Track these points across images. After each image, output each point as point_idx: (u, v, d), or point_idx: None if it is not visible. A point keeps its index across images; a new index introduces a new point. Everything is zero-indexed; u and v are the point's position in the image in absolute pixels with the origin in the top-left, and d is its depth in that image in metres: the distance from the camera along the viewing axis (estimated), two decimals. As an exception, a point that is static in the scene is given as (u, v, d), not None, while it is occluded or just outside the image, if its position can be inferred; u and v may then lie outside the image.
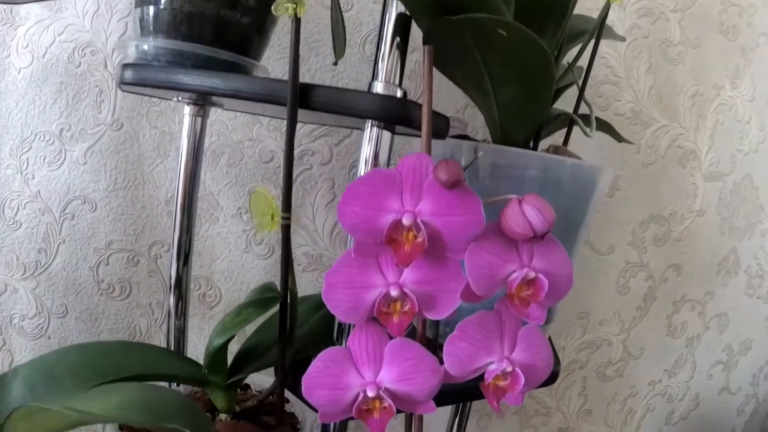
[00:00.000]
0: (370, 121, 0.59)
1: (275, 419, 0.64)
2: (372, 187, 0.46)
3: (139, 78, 0.66)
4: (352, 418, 0.50)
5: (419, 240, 0.45)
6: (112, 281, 0.96)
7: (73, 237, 0.95)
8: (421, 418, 0.54)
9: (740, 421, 1.35)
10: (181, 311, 0.79)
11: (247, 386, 0.74)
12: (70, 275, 0.96)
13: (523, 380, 0.48)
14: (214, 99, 0.74)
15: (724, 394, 1.30)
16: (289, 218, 0.56)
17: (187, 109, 0.76)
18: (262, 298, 0.58)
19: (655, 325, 1.16)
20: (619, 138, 0.85)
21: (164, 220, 0.95)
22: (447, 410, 0.94)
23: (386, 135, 0.59)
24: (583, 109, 0.74)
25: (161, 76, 0.65)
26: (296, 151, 0.94)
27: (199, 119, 0.76)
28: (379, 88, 0.57)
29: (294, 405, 0.70)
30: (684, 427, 1.27)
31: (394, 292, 0.46)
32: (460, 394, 0.64)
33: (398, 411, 0.50)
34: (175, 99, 0.75)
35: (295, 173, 0.94)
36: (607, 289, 1.10)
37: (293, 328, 0.61)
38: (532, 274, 0.46)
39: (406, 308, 0.47)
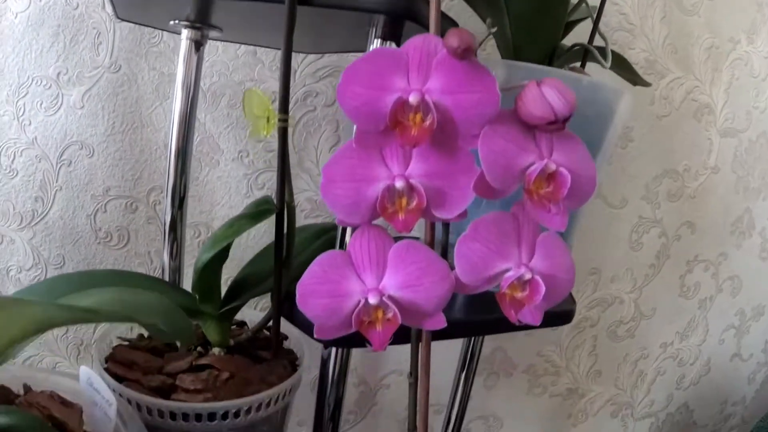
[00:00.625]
0: (373, 30, 0.52)
1: (271, 352, 0.57)
2: (375, 66, 0.39)
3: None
4: (353, 341, 0.44)
5: (427, 123, 0.38)
6: (110, 229, 0.90)
7: (70, 184, 0.89)
8: (428, 347, 0.47)
9: (751, 389, 1.28)
10: (176, 253, 0.73)
11: (244, 324, 0.67)
12: (67, 224, 0.90)
13: (543, 289, 0.41)
14: (213, 19, 0.67)
15: (736, 361, 1.23)
16: (286, 120, 0.49)
17: (185, 34, 0.69)
18: (256, 210, 0.52)
19: (667, 285, 1.09)
20: (634, 80, 0.79)
21: (163, 165, 0.88)
22: (452, 367, 0.87)
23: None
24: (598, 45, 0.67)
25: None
26: (299, 92, 0.88)
27: (196, 49, 0.70)
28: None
29: (292, 341, 0.64)
30: (694, 393, 1.19)
31: (399, 184, 0.40)
32: (472, 328, 0.57)
33: (399, 338, 0.44)
34: (172, 22, 0.69)
35: (298, 115, 0.88)
36: (619, 244, 1.03)
37: (290, 250, 0.54)
38: (553, 166, 0.40)
39: (413, 204, 0.40)
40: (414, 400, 0.48)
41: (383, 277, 0.42)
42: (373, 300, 0.40)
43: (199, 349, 0.60)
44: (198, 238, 0.90)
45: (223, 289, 0.59)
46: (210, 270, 0.53)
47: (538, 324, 0.45)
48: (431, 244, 0.45)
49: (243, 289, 0.59)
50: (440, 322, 0.43)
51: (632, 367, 1.11)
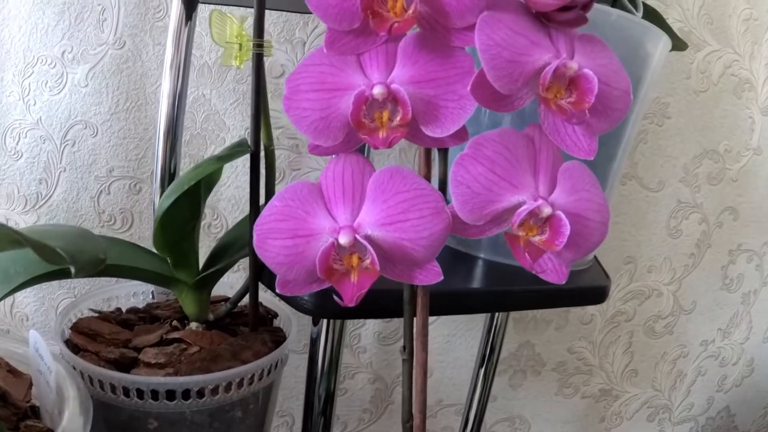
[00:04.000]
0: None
1: (250, 325, 0.47)
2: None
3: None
4: (349, 311, 0.33)
5: (410, 12, 0.28)
6: (114, 212, 0.81)
7: (74, 165, 0.81)
8: (425, 313, 0.36)
9: (798, 393, 1.12)
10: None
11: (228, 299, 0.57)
12: (71, 207, 0.82)
13: (567, 230, 0.30)
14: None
15: (782, 361, 1.08)
16: (262, 45, 0.39)
17: (175, -3, 0.60)
18: (227, 152, 0.42)
19: (708, 276, 0.94)
20: (671, 38, 0.67)
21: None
22: (471, 362, 0.75)
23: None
24: None
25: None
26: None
27: (188, 13, 0.60)
28: None
29: (283, 320, 0.53)
30: (737, 396, 1.04)
31: (377, 90, 0.29)
32: (488, 301, 0.45)
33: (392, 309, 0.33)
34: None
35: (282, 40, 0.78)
36: (656, 231, 0.90)
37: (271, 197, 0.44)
38: (574, 65, 0.29)
39: (397, 119, 0.30)
40: (409, 380, 0.37)
41: (359, 213, 0.31)
42: (344, 239, 0.30)
43: (174, 323, 0.50)
44: (204, 220, 0.81)
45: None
46: (175, 223, 0.43)
47: (563, 282, 0.34)
48: (428, 178, 0.34)
49: (222, 255, 0.49)
50: (434, 275, 0.32)
51: (671, 366, 0.97)
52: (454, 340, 0.84)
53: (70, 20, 0.80)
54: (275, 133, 0.79)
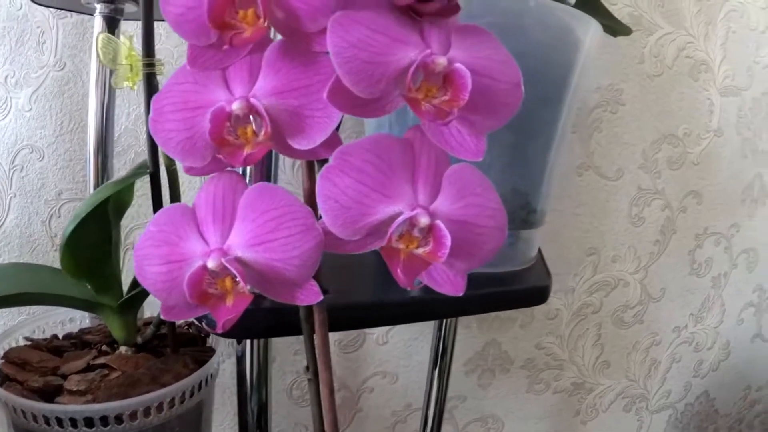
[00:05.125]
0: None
1: (170, 346, 0.45)
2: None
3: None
4: (270, 329, 0.31)
5: (260, 21, 0.26)
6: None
7: (24, 190, 0.79)
8: (324, 330, 0.34)
9: (778, 372, 1.10)
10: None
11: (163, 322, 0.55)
12: (23, 232, 0.80)
13: (448, 241, 0.28)
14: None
15: (757, 342, 1.05)
16: (153, 64, 0.38)
17: (98, 8, 0.59)
18: (127, 174, 0.40)
19: (676, 262, 0.92)
20: (614, 27, 0.65)
21: (112, 162, 0.78)
22: (424, 362, 0.73)
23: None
24: None
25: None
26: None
27: (110, 25, 0.59)
28: None
29: (215, 338, 0.51)
30: (715, 380, 1.02)
31: (237, 105, 0.27)
32: (415, 310, 0.43)
33: (279, 329, 0.31)
34: (84, 1, 0.58)
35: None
36: (618, 220, 0.87)
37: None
38: (442, 61, 0.27)
39: (261, 135, 0.28)
40: (317, 399, 0.35)
41: (230, 235, 0.29)
42: (212, 263, 0.28)
43: (104, 347, 0.48)
44: (141, 229, 0.79)
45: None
46: (84, 247, 0.41)
47: (461, 293, 0.32)
48: (312, 194, 0.32)
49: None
50: (314, 294, 0.30)
51: (643, 355, 0.95)
52: (416, 344, 0.82)
53: (11, 44, 0.78)
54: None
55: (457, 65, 0.27)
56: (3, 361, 0.47)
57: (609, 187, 0.86)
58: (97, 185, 0.60)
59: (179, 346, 0.49)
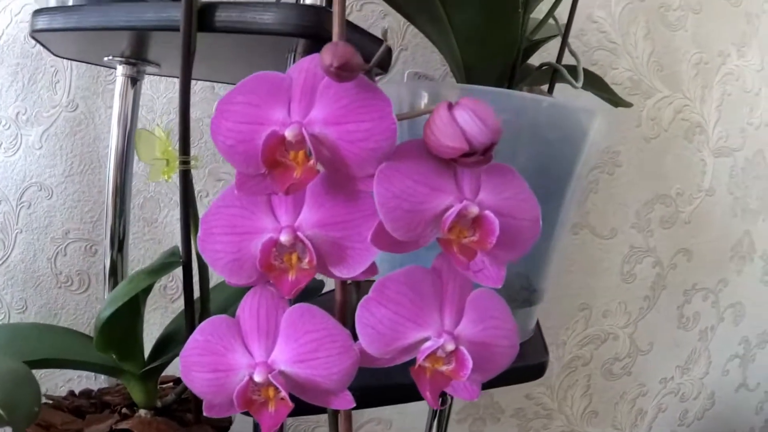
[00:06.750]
0: (291, 56, 0.44)
1: (193, 416, 0.48)
2: (251, 95, 0.30)
3: (48, 23, 0.53)
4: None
5: (311, 162, 0.29)
6: (71, 273, 0.82)
7: (30, 226, 0.82)
8: (349, 418, 0.38)
9: (759, 419, 1.15)
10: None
11: (180, 380, 0.58)
12: (28, 268, 0.83)
13: (470, 364, 0.32)
14: (148, 55, 0.60)
15: (742, 391, 1.10)
16: (188, 162, 0.41)
17: (120, 70, 0.62)
18: (159, 263, 0.43)
19: (664, 317, 0.97)
20: (615, 100, 0.69)
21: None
22: (422, 413, 0.76)
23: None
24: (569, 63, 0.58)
25: (69, 18, 0.52)
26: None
27: (133, 84, 0.62)
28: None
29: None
30: (699, 428, 1.07)
31: (284, 238, 0.31)
32: (395, 393, 0.47)
33: (305, 410, 0.34)
34: (106, 58, 0.61)
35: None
36: (610, 277, 0.92)
37: (206, 306, 0.45)
38: (475, 210, 0.30)
39: (305, 262, 0.31)
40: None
41: (273, 349, 0.32)
42: (259, 377, 0.31)
43: (124, 410, 0.51)
44: (158, 282, 0.82)
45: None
46: (116, 328, 0.44)
47: (476, 398, 0.36)
48: (343, 306, 0.35)
49: (167, 347, 0.50)
50: (347, 402, 0.33)
51: (630, 405, 0.99)
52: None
53: (24, 81, 0.81)
54: (219, 185, 0.80)
55: (487, 213, 0.31)
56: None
57: (603, 245, 0.90)
58: (114, 227, 0.63)
59: (190, 411, 0.52)
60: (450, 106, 0.30)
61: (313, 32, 0.39)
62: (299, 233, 0.31)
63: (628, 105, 0.72)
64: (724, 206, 0.97)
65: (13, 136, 0.81)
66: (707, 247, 0.97)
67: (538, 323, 0.61)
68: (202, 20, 0.42)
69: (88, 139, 0.80)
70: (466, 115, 0.29)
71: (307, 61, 0.31)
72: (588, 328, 0.92)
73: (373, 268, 0.33)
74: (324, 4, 0.44)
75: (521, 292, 0.55)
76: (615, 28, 0.86)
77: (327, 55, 0.27)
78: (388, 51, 0.39)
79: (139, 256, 0.81)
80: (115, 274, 0.63)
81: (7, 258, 0.83)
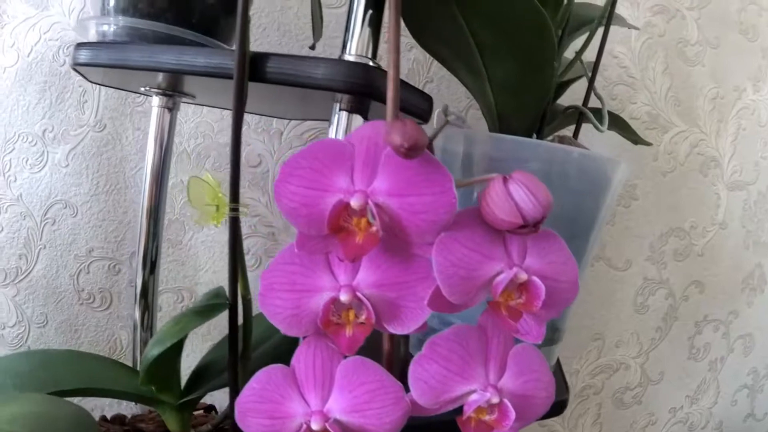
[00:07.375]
0: (337, 104, 0.47)
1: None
2: (315, 161, 0.33)
3: (92, 58, 0.55)
4: None
5: (373, 229, 0.32)
6: (93, 291, 0.85)
7: (54, 243, 0.84)
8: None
9: (767, 450, 1.18)
10: (148, 323, 0.67)
11: (212, 408, 0.61)
12: (50, 283, 0.85)
13: (513, 415, 0.35)
14: (185, 87, 0.63)
15: (750, 421, 1.13)
16: (237, 209, 0.44)
17: (156, 101, 0.65)
18: (206, 305, 0.46)
19: (676, 347, 1.00)
20: (635, 139, 0.72)
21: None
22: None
23: (357, 121, 0.46)
24: (594, 104, 0.61)
25: (114, 55, 0.54)
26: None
27: (168, 113, 0.65)
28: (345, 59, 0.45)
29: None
30: (707, 457, 1.10)
31: (344, 297, 0.33)
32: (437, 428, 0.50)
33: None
34: (143, 89, 0.64)
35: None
36: (624, 308, 0.95)
37: (248, 343, 0.48)
38: (524, 276, 0.33)
39: (362, 318, 0.34)
40: None
41: (329, 398, 0.35)
42: (315, 426, 0.34)
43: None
44: (181, 303, 0.84)
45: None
46: (160, 365, 0.47)
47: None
48: (390, 355, 0.38)
49: (203, 378, 0.53)
50: (396, 449, 0.36)
51: (639, 433, 1.02)
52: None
53: (51, 99, 0.83)
54: (252, 221, 0.83)
55: (534, 279, 0.33)
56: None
57: (617, 277, 0.93)
58: (147, 248, 0.65)
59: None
60: (505, 180, 0.33)
61: (363, 90, 0.42)
62: (358, 293, 0.34)
63: (647, 143, 0.75)
64: (737, 239, 1.00)
65: (39, 152, 0.84)
66: (719, 279, 1.00)
67: (558, 360, 0.64)
68: (253, 70, 0.44)
69: (115, 159, 0.83)
70: (521, 191, 0.32)
71: (369, 128, 0.34)
72: (600, 357, 0.95)
73: (424, 325, 0.35)
74: (370, 56, 0.46)
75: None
76: (635, 63, 0.89)
77: (396, 136, 0.30)
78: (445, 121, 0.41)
79: (163, 277, 0.84)
80: (146, 295, 0.66)
81: (29, 272, 0.85)
